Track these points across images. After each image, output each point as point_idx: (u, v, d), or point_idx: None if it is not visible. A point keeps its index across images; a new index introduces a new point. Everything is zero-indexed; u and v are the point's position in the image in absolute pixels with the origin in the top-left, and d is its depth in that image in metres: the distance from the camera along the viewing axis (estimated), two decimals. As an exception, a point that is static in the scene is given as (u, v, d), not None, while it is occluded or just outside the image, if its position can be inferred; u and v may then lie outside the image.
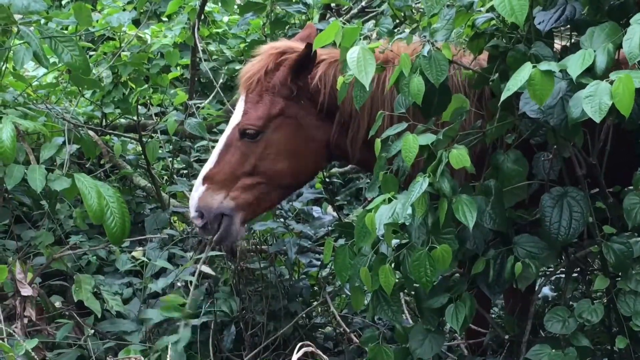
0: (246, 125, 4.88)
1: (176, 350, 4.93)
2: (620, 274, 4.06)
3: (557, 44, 4.10)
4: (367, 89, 3.80)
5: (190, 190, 6.46)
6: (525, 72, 3.43)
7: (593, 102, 3.31)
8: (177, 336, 5.01)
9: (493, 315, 5.83)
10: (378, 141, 4.14)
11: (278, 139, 4.90)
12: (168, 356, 4.73)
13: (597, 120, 3.30)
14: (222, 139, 4.99)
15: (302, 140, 4.93)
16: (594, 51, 3.45)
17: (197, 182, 4.99)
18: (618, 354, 4.34)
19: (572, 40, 4.11)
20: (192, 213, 4.99)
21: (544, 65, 3.44)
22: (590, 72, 3.42)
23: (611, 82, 3.30)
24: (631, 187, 4.10)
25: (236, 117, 4.95)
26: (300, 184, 5.34)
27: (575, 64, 3.41)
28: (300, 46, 4.86)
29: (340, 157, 5.25)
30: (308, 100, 4.89)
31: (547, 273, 4.84)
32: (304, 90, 4.86)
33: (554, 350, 4.03)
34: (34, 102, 6.32)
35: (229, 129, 4.98)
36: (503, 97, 3.51)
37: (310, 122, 4.91)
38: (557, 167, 4.13)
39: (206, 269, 5.46)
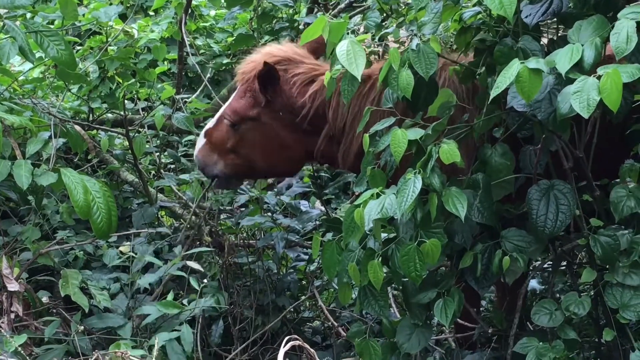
0: (225, 113, 5.12)
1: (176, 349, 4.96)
2: (607, 266, 4.07)
3: (545, 38, 4.10)
4: (359, 80, 3.80)
5: (178, 185, 6.51)
6: (513, 69, 3.43)
7: (581, 97, 3.32)
8: (176, 333, 5.02)
9: (481, 309, 5.84)
10: (366, 136, 4.14)
11: (252, 137, 5.09)
12: (154, 353, 4.70)
13: (586, 116, 3.30)
14: (223, 107, 5.21)
15: (277, 146, 5.08)
16: (582, 45, 3.45)
17: (202, 133, 5.30)
18: (605, 347, 4.36)
19: (559, 34, 4.11)
20: (194, 157, 5.38)
21: (532, 63, 3.44)
22: (578, 66, 3.42)
23: (599, 77, 3.30)
24: (618, 180, 4.11)
25: (230, 99, 5.19)
26: (279, 176, 5.74)
27: (563, 59, 3.41)
28: (301, 58, 5.01)
29: (327, 162, 5.37)
30: (289, 113, 4.98)
31: (535, 266, 4.84)
32: (286, 104, 4.97)
33: (541, 343, 4.04)
34: (20, 97, 6.28)
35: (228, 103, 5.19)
36: (492, 94, 3.51)
37: (285, 131, 5.05)
38: (544, 160, 4.14)
39: (192, 263, 5.46)
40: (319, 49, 5.16)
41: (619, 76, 3.26)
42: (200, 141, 5.27)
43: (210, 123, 5.26)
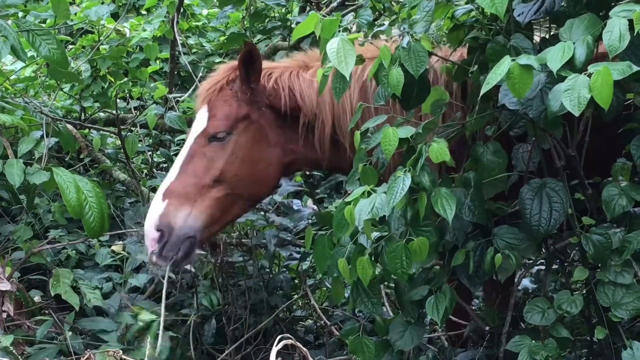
0: (215, 125, 4.89)
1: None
2: (599, 265, 4.07)
3: (537, 36, 4.10)
4: (348, 80, 3.80)
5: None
6: (504, 66, 3.42)
7: (572, 95, 3.31)
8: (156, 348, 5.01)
9: (474, 307, 5.84)
10: (357, 133, 4.14)
11: (244, 142, 4.91)
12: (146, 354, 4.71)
13: (576, 114, 3.30)
14: (183, 152, 4.93)
15: (266, 147, 4.95)
16: (574, 44, 3.45)
17: (157, 198, 4.83)
18: (597, 345, 4.36)
19: (552, 33, 4.11)
20: (152, 233, 4.76)
21: (522, 59, 3.43)
22: (569, 64, 3.42)
23: (590, 75, 3.30)
24: (610, 179, 4.12)
25: (198, 127, 4.93)
26: (261, 194, 5.25)
27: (555, 57, 3.40)
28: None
29: (309, 164, 5.21)
30: (268, 107, 4.93)
31: (527, 265, 4.84)
32: (262, 97, 4.91)
33: (533, 342, 4.04)
34: (12, 95, 6.28)
35: (189, 141, 4.93)
36: (483, 91, 3.50)
37: (272, 130, 4.96)
38: (537, 158, 4.14)
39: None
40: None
41: (609, 74, 3.26)
42: (157, 208, 4.78)
43: (167, 180, 4.87)
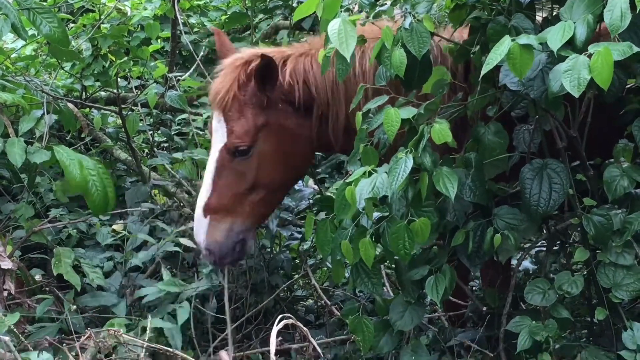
0: (236, 143, 4.84)
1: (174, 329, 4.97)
2: (600, 246, 4.08)
3: (539, 16, 4.09)
4: (349, 62, 3.78)
5: (171, 163, 6.49)
6: (504, 46, 3.40)
7: (572, 76, 3.29)
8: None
9: (474, 288, 5.85)
10: (359, 114, 4.13)
11: (270, 148, 4.88)
12: (147, 332, 4.71)
13: (576, 95, 3.29)
14: (211, 165, 4.91)
15: (291, 141, 4.91)
16: (574, 23, 3.43)
17: (198, 215, 4.91)
18: (598, 326, 4.37)
19: (554, 13, 4.09)
20: (203, 251, 4.94)
21: (522, 39, 3.42)
22: (570, 44, 3.40)
23: (590, 56, 3.28)
24: (612, 160, 4.11)
25: (220, 139, 4.89)
26: (299, 179, 5.50)
27: (555, 37, 3.39)
28: (263, 49, 4.96)
29: (325, 148, 5.27)
30: (284, 102, 4.88)
31: (528, 246, 4.85)
32: (277, 94, 4.85)
33: (534, 322, 4.06)
34: (13, 74, 6.26)
35: (214, 152, 4.91)
36: (483, 71, 3.49)
37: (292, 122, 4.90)
38: (538, 139, 4.13)
39: (186, 241, 5.47)
40: (231, 49, 5.16)
41: (610, 54, 3.24)
42: (202, 226, 4.89)
43: (203, 198, 4.90)
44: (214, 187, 4.87)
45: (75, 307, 5.16)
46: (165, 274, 5.41)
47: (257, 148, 4.85)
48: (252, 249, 5.20)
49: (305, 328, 4.45)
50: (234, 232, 4.89)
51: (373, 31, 4.15)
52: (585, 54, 3.29)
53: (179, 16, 6.90)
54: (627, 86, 3.88)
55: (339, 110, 4.80)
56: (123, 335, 4.42)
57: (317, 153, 5.94)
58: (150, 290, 5.24)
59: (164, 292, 5.21)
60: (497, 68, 3.66)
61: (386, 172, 3.75)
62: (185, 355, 4.49)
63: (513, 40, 3.41)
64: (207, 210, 4.87)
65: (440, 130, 3.70)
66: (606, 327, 4.18)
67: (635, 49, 3.31)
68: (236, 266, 5.18)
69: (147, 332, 4.59)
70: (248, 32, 8.37)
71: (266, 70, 4.72)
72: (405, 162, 3.67)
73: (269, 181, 4.92)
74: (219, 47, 5.21)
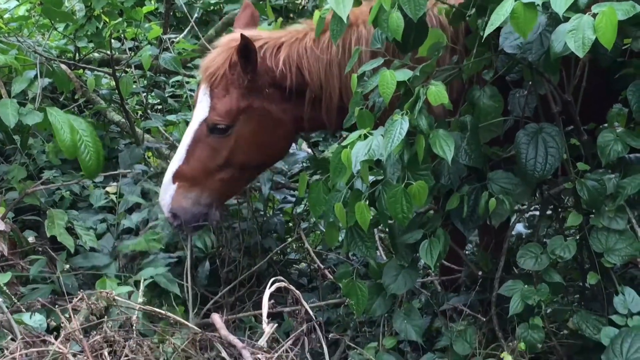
0: (215, 120, 4.86)
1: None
2: (593, 210, 4.08)
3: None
4: (345, 22, 3.76)
5: (165, 125, 6.47)
6: (507, 5, 3.38)
7: (576, 36, 3.27)
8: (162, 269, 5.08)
9: (467, 252, 5.86)
10: (354, 76, 4.11)
11: (249, 131, 4.90)
12: (141, 288, 4.72)
13: (581, 55, 3.26)
14: (189, 134, 4.94)
15: (272, 127, 4.93)
16: (577, -16, 3.40)
17: (166, 180, 4.95)
18: (590, 290, 4.39)
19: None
20: (167, 214, 4.98)
21: (526, -2, 3.40)
22: (573, 6, 3.37)
23: (594, 16, 3.26)
24: (606, 125, 4.10)
25: (202, 112, 4.91)
26: (274, 163, 5.45)
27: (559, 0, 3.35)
28: (258, 34, 4.91)
29: (316, 128, 5.27)
30: (272, 87, 4.88)
31: (521, 209, 4.85)
32: (265, 79, 4.85)
33: (526, 286, 4.07)
34: (6, 35, 6.23)
35: (194, 123, 4.93)
36: (487, 31, 3.45)
37: (278, 107, 4.91)
38: (533, 103, 4.12)
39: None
40: (254, 24, 5.20)
41: (614, 14, 3.22)
42: (169, 190, 4.94)
43: (175, 163, 4.94)
44: (187, 157, 4.92)
45: (68, 266, 5.16)
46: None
47: (236, 129, 4.87)
48: (217, 223, 5.21)
49: (297, 291, 4.46)
50: (200, 204, 4.94)
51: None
52: (589, 14, 3.27)
53: (173, -23, 6.85)
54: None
55: (333, 92, 4.79)
56: (115, 296, 4.42)
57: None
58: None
59: (150, 242, 5.23)
60: (495, 31, 3.63)
61: (382, 135, 3.73)
62: (177, 317, 4.49)
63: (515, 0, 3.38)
64: (176, 177, 4.93)
65: (437, 92, 3.68)
66: (598, 291, 4.19)
67: (639, 8, 3.29)
68: (198, 232, 5.18)
69: (141, 290, 4.59)
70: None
71: (246, 50, 4.72)
72: (401, 124, 3.66)
73: (242, 162, 4.95)
74: (240, 18, 5.22)
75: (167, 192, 4.94)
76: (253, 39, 4.76)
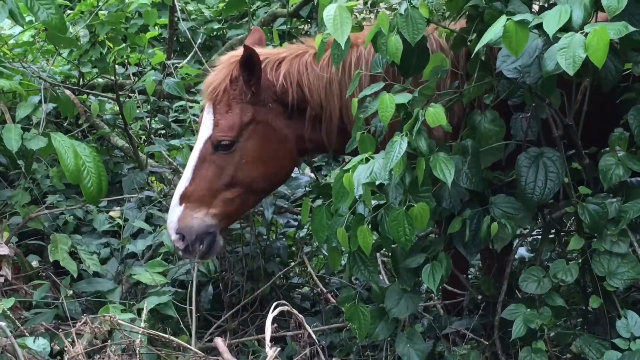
0: (219, 136, 4.88)
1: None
2: (595, 234, 4.08)
3: (536, 5, 4.08)
4: (344, 48, 3.78)
5: (168, 150, 6.49)
6: (499, 24, 3.40)
7: (567, 54, 3.27)
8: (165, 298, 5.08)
9: (470, 276, 5.86)
10: (355, 101, 4.13)
11: (252, 145, 4.91)
12: (144, 316, 4.72)
13: (571, 73, 3.27)
14: (194, 155, 4.96)
15: (276, 142, 4.94)
16: (570, 7, 3.42)
17: (174, 202, 4.95)
18: (592, 314, 4.38)
19: (550, 1, 4.10)
20: (173, 235, 4.94)
21: (518, 16, 3.41)
22: (566, 30, 3.39)
23: (586, 35, 3.28)
24: (607, 149, 4.12)
25: (206, 130, 4.93)
26: (277, 185, 5.39)
27: (551, 21, 3.36)
28: (258, 50, 4.89)
29: (317, 150, 5.26)
30: (275, 102, 4.90)
31: (523, 234, 4.85)
32: (269, 94, 4.88)
33: (529, 310, 4.06)
34: (10, 60, 6.26)
35: (199, 143, 4.96)
36: (477, 47, 3.49)
37: (281, 123, 4.93)
38: (534, 127, 4.14)
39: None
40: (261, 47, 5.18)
41: (606, 33, 3.23)
42: (176, 212, 4.91)
43: (182, 185, 4.93)
44: (193, 177, 4.92)
45: (71, 291, 5.17)
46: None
47: (240, 144, 4.88)
48: (221, 249, 5.17)
49: (300, 315, 4.47)
50: (206, 223, 4.90)
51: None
52: (581, 33, 3.29)
53: (176, 3, 6.89)
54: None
55: (333, 111, 4.82)
56: (119, 321, 4.42)
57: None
58: (143, 272, 5.24)
59: (155, 276, 5.23)
60: (494, 56, 3.66)
61: (383, 158, 3.75)
62: (180, 342, 4.50)
63: (508, 18, 3.40)
64: (183, 199, 4.92)
65: (435, 114, 3.70)
66: (600, 315, 4.19)
67: (631, 29, 3.31)
68: (205, 258, 5.10)
69: (144, 315, 4.60)
70: (245, 19, 8.37)
71: (249, 62, 4.75)
72: (400, 144, 3.68)
73: (247, 180, 4.94)
74: (248, 41, 5.20)
75: (174, 213, 4.92)
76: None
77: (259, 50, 4.94)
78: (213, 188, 4.91)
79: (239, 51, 4.93)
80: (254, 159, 4.91)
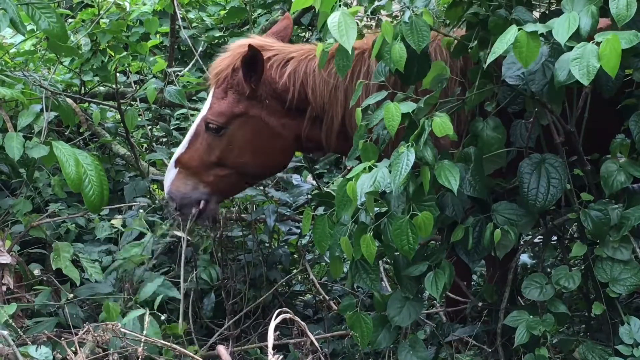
0: (209, 119, 4.99)
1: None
2: (597, 240, 4.08)
3: (536, 12, 4.09)
4: (350, 53, 3.79)
5: (170, 158, 6.48)
6: (510, 34, 3.40)
7: (581, 64, 3.29)
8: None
9: (473, 283, 5.86)
10: (358, 110, 4.13)
11: (242, 136, 4.98)
12: (146, 319, 4.71)
13: (586, 83, 3.28)
14: (193, 125, 5.11)
15: (267, 137, 4.99)
16: (578, 14, 3.42)
17: (171, 164, 5.13)
18: (595, 320, 4.38)
19: (552, 8, 4.10)
20: (166, 195, 5.18)
21: (529, 27, 3.42)
22: (575, 35, 3.39)
23: (597, 44, 3.28)
24: (609, 155, 4.12)
25: (204, 108, 5.05)
26: (271, 173, 5.55)
27: (561, 28, 3.37)
28: (270, 44, 4.96)
29: (313, 149, 5.27)
30: (274, 99, 4.93)
31: (526, 240, 4.85)
32: (268, 90, 4.90)
33: (531, 317, 4.07)
34: (12, 69, 6.26)
35: (198, 117, 5.09)
36: (489, 60, 3.48)
37: (276, 120, 4.97)
38: (536, 134, 4.14)
39: (178, 232, 5.47)
40: (285, 35, 5.24)
41: (618, 42, 3.24)
42: (171, 174, 5.13)
43: (179, 150, 5.12)
44: (188, 146, 5.08)
45: (72, 295, 5.16)
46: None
47: (229, 131, 4.97)
48: (213, 213, 5.28)
49: (303, 323, 4.46)
50: (197, 191, 5.08)
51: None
52: (593, 42, 3.29)
53: (177, 11, 6.89)
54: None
55: (335, 116, 4.83)
56: (121, 329, 4.41)
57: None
58: (153, 286, 5.23)
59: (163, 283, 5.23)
60: (496, 63, 3.66)
61: (387, 167, 3.75)
62: (183, 350, 4.49)
63: (519, 29, 3.41)
64: (178, 162, 5.10)
65: (442, 123, 3.71)
66: (603, 321, 4.19)
67: None
68: (198, 223, 5.32)
69: (146, 323, 4.59)
70: (247, 27, 8.37)
71: (252, 61, 4.78)
72: (407, 157, 3.68)
73: (235, 165, 5.05)
74: (276, 26, 5.32)
75: (169, 175, 5.13)
76: (263, 48, 4.86)
77: (271, 43, 5.00)
78: (203, 162, 5.05)
79: (251, 40, 4.98)
80: (241, 149, 5.00)
